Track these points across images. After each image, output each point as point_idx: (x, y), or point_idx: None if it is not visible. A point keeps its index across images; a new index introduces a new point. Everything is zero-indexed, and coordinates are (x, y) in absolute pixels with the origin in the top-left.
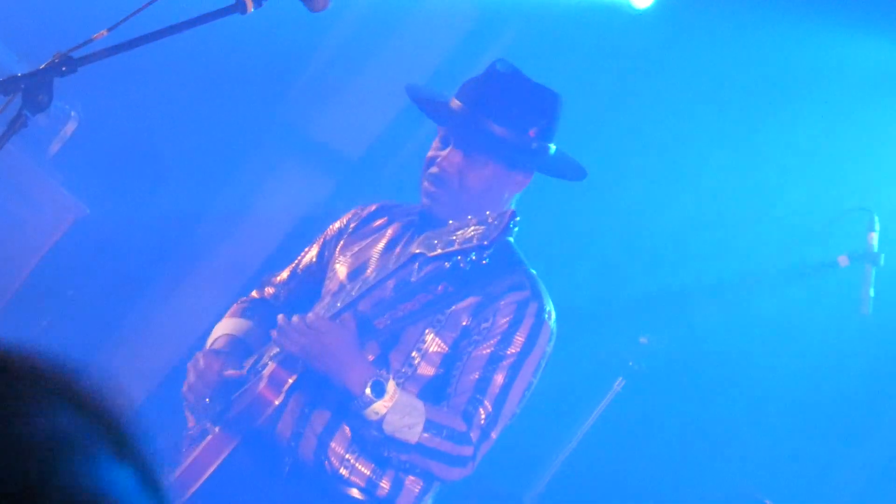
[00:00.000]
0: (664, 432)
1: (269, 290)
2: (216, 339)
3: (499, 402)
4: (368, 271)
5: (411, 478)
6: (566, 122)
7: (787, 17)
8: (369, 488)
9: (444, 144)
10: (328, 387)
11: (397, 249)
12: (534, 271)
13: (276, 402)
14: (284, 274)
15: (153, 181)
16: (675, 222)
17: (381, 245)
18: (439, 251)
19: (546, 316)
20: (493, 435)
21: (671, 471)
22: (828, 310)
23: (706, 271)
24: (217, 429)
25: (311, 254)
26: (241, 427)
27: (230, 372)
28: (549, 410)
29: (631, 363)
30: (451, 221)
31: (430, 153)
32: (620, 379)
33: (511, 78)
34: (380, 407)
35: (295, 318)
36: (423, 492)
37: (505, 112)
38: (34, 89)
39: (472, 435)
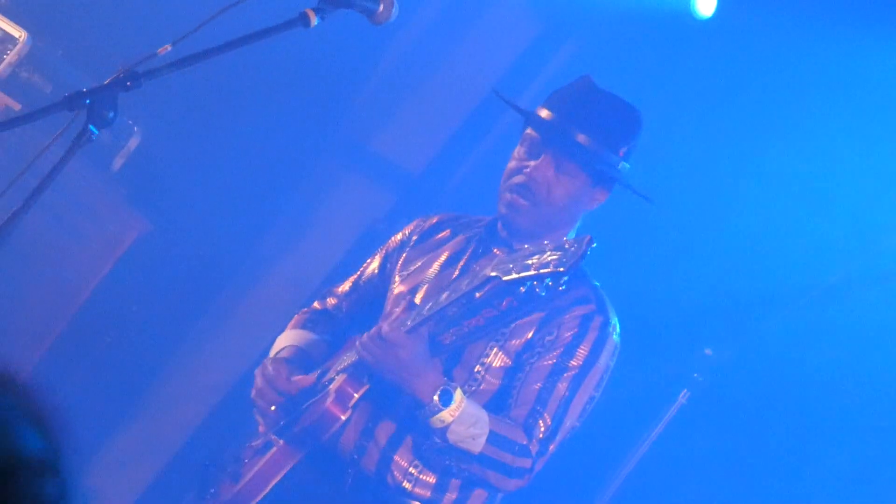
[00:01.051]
0: (729, 445)
1: (332, 301)
2: (281, 350)
3: (559, 416)
4: (434, 288)
5: (478, 490)
6: None
7: (850, 21)
8: (433, 500)
9: (533, 155)
10: (393, 401)
11: (460, 263)
12: (597, 283)
13: (343, 418)
14: (346, 285)
15: (215, 196)
16: (741, 230)
17: (443, 259)
18: (514, 276)
19: (610, 330)
20: (552, 448)
21: (736, 485)
22: None
23: (773, 280)
24: (281, 442)
25: (372, 266)
26: (306, 441)
27: (298, 378)
28: (614, 422)
29: (696, 375)
30: (525, 245)
31: (515, 163)
32: (685, 391)
33: (603, 94)
34: (446, 416)
35: (374, 331)
36: (488, 501)
37: (600, 127)
38: (99, 104)
39: (531, 448)
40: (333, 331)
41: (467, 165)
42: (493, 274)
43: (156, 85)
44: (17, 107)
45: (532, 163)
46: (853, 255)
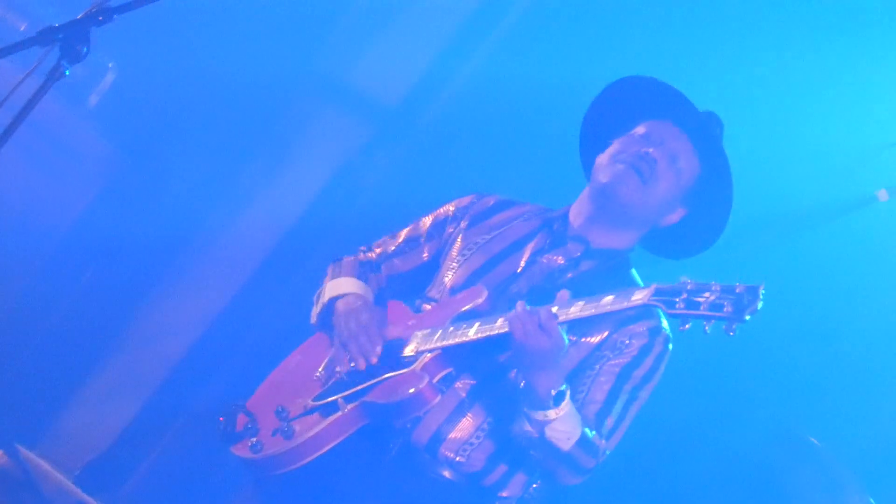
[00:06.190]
0: (703, 377)
1: (372, 256)
2: (347, 295)
3: (619, 419)
4: (504, 270)
5: (519, 475)
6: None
7: None
8: (479, 475)
9: (654, 143)
10: (477, 387)
11: (526, 249)
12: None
13: (435, 402)
14: (389, 245)
15: (191, 131)
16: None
17: (508, 241)
18: (681, 309)
19: (670, 347)
20: (610, 450)
21: (708, 412)
22: (867, 245)
23: (742, 211)
24: (348, 408)
25: (419, 231)
26: (379, 416)
27: (395, 332)
28: None
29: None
30: (685, 279)
31: (629, 144)
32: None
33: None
34: (552, 413)
35: (530, 311)
36: (525, 486)
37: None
38: (72, 40)
39: (600, 447)
40: (378, 287)
41: (444, 98)
42: (652, 303)
43: (129, 21)
44: None
45: (653, 148)
46: (823, 183)
